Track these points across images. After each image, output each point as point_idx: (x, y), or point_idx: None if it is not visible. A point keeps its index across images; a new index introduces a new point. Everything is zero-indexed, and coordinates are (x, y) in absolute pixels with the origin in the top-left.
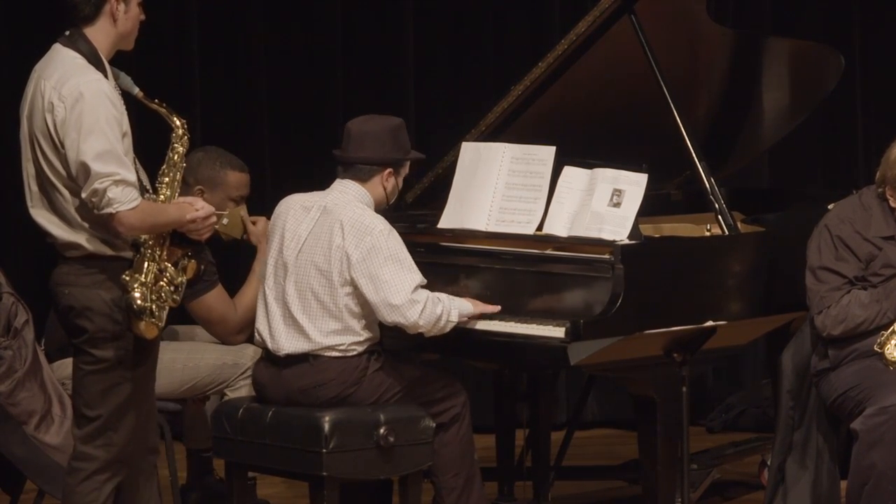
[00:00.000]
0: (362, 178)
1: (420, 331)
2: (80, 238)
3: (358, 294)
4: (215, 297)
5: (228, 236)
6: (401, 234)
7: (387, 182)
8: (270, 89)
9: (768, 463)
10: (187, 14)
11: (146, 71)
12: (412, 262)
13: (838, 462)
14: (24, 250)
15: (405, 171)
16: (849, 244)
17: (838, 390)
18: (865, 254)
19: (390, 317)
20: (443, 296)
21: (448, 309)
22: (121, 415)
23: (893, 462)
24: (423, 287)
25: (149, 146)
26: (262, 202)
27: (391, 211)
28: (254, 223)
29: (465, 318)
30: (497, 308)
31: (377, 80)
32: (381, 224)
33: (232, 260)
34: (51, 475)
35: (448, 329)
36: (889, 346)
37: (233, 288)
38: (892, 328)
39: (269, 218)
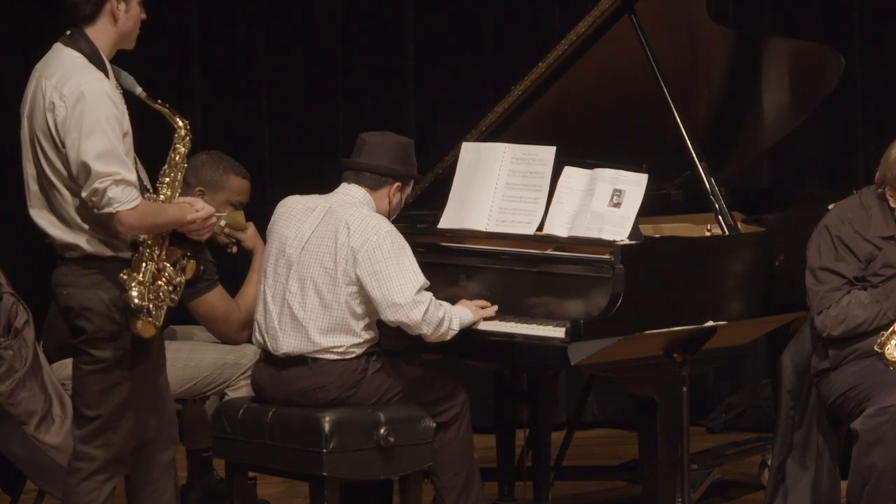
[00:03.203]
0: (371, 186)
1: (422, 332)
2: (79, 239)
3: (361, 293)
4: (218, 296)
5: (223, 239)
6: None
7: (394, 196)
8: (270, 91)
9: (769, 463)
10: (188, 16)
11: (147, 73)
12: (416, 265)
13: (839, 462)
14: (24, 250)
15: (409, 190)
16: (848, 244)
17: (838, 390)
18: (865, 254)
19: (393, 315)
20: (445, 303)
21: (450, 316)
22: (120, 415)
23: (894, 462)
24: (426, 290)
25: (150, 146)
26: (263, 205)
27: None
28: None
29: (468, 325)
30: (495, 308)
31: (377, 82)
32: (386, 225)
33: (232, 260)
34: (51, 475)
35: (449, 337)
36: (889, 346)
37: (231, 288)
38: (892, 328)
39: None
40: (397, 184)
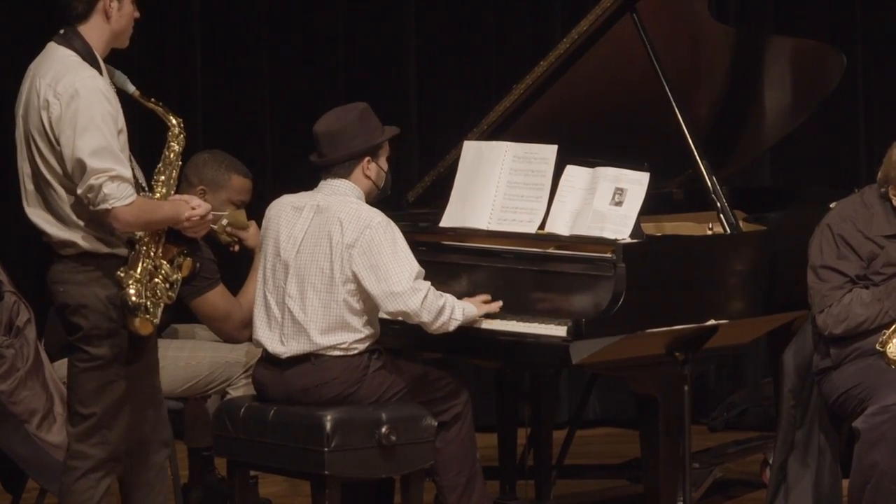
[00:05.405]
0: (344, 175)
1: (422, 320)
2: (76, 236)
3: (360, 290)
4: (219, 294)
5: (225, 238)
6: (402, 233)
7: (368, 170)
8: (272, 91)
9: (770, 462)
10: (189, 16)
11: (147, 72)
12: (410, 253)
13: (840, 461)
14: (25, 249)
15: (385, 151)
16: (850, 243)
17: (840, 389)
18: (867, 252)
19: (393, 306)
20: (448, 295)
21: (452, 306)
22: (115, 412)
23: (895, 461)
24: (423, 278)
25: (146, 144)
26: (264, 204)
27: (392, 209)
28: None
29: (471, 320)
30: (499, 304)
31: (379, 81)
32: (378, 216)
33: (233, 259)
34: (53, 474)
35: (452, 328)
36: (891, 344)
37: (232, 287)
38: (893, 327)
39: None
40: (367, 158)
